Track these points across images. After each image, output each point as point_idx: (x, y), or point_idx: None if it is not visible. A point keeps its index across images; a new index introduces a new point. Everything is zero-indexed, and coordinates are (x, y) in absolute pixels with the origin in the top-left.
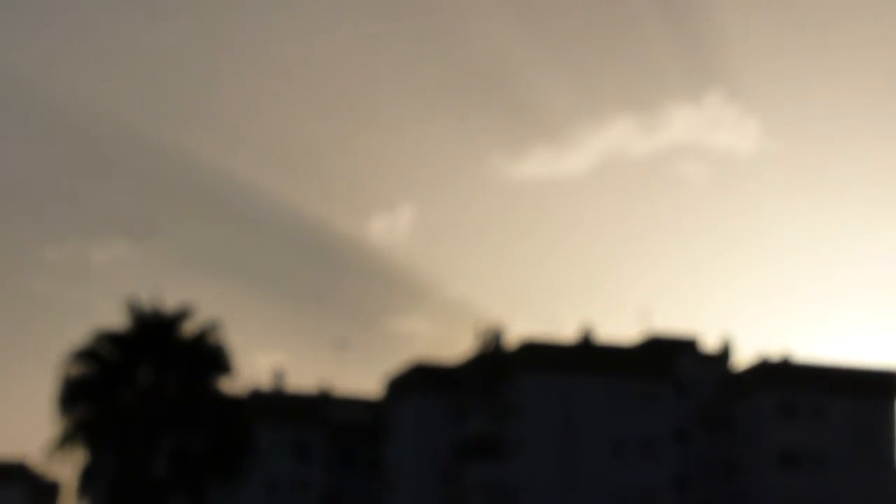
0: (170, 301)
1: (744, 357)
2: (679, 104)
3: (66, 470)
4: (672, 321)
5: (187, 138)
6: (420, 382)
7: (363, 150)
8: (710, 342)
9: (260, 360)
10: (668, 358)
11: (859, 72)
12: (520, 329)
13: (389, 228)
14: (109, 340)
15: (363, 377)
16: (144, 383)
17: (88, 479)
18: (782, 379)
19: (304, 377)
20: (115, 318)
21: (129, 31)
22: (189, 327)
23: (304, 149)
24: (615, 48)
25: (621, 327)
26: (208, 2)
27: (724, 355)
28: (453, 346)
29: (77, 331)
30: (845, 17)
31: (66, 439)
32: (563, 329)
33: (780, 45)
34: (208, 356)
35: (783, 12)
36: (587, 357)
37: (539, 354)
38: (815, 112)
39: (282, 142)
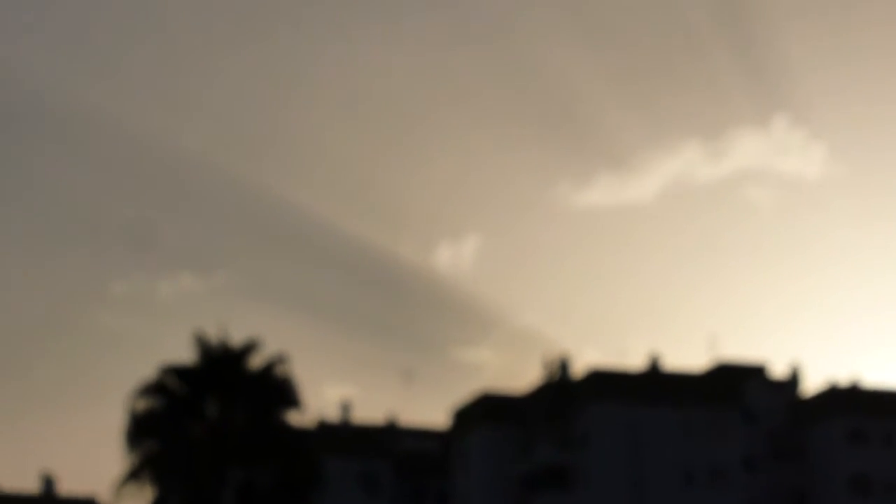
0: (237, 334)
1: (813, 384)
2: (745, 130)
3: None
4: (740, 348)
5: (253, 170)
6: (487, 413)
7: (428, 180)
8: (778, 369)
9: (327, 393)
10: (737, 385)
11: None
12: (588, 358)
13: (455, 258)
14: (176, 374)
15: (430, 408)
16: (212, 417)
17: None
18: (851, 405)
19: (371, 409)
20: (183, 352)
21: (200, 63)
22: (256, 360)
23: (369, 179)
24: (680, 75)
25: (689, 355)
26: (279, 34)
27: (792, 382)
28: (521, 376)
29: (144, 365)
30: None
31: (135, 474)
32: (631, 358)
33: (847, 71)
34: (275, 389)
35: (849, 37)
36: (655, 385)
37: (606, 383)
38: (881, 137)
39: (347, 172)
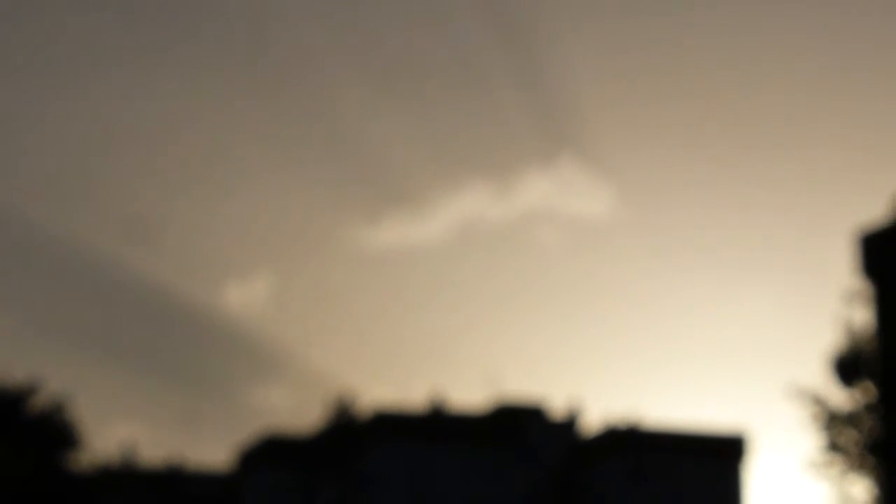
0: (20, 373)
1: (593, 421)
2: (533, 169)
3: None
4: (523, 388)
5: (34, 208)
6: (271, 454)
7: (217, 218)
8: (559, 407)
9: (113, 432)
10: (517, 425)
11: (714, 142)
12: (376, 397)
13: (245, 297)
14: None
15: (218, 450)
16: None
17: None
18: (630, 445)
19: (157, 449)
20: None
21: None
22: (37, 402)
23: (157, 216)
24: (469, 113)
25: (473, 395)
26: (61, 62)
27: (571, 422)
28: (309, 417)
29: None
30: (699, 87)
31: None
32: (417, 397)
33: (635, 113)
34: (56, 432)
35: (639, 79)
36: (437, 426)
37: (390, 424)
38: (668, 180)
39: (135, 209)
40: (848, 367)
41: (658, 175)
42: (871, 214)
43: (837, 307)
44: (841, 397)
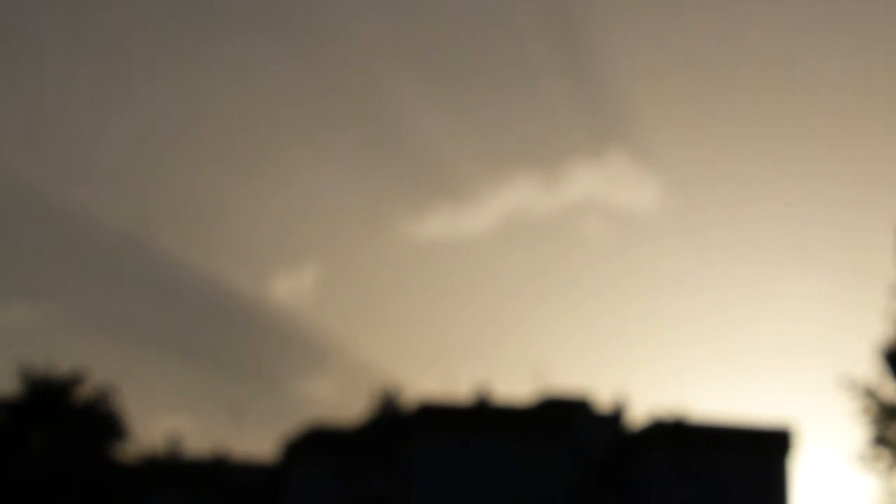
0: (68, 364)
1: (638, 415)
2: (581, 162)
3: None
4: (570, 380)
5: (85, 197)
6: (316, 446)
7: (265, 209)
8: (605, 400)
9: (159, 423)
10: (563, 418)
11: (761, 134)
12: (422, 389)
13: (292, 288)
14: (1, 406)
15: (264, 441)
16: (37, 450)
17: None
18: (676, 438)
19: (203, 441)
20: (8, 383)
21: (25, 87)
22: (82, 392)
23: (205, 207)
24: (517, 106)
25: (519, 387)
26: (107, 55)
27: (617, 415)
28: (354, 408)
29: None
30: (746, 80)
31: None
32: (462, 390)
33: (682, 106)
34: (101, 422)
35: (686, 73)
36: (483, 418)
37: (435, 416)
38: (714, 173)
39: (183, 200)
40: None
41: (705, 167)
42: None
43: (885, 299)
44: (891, 389)
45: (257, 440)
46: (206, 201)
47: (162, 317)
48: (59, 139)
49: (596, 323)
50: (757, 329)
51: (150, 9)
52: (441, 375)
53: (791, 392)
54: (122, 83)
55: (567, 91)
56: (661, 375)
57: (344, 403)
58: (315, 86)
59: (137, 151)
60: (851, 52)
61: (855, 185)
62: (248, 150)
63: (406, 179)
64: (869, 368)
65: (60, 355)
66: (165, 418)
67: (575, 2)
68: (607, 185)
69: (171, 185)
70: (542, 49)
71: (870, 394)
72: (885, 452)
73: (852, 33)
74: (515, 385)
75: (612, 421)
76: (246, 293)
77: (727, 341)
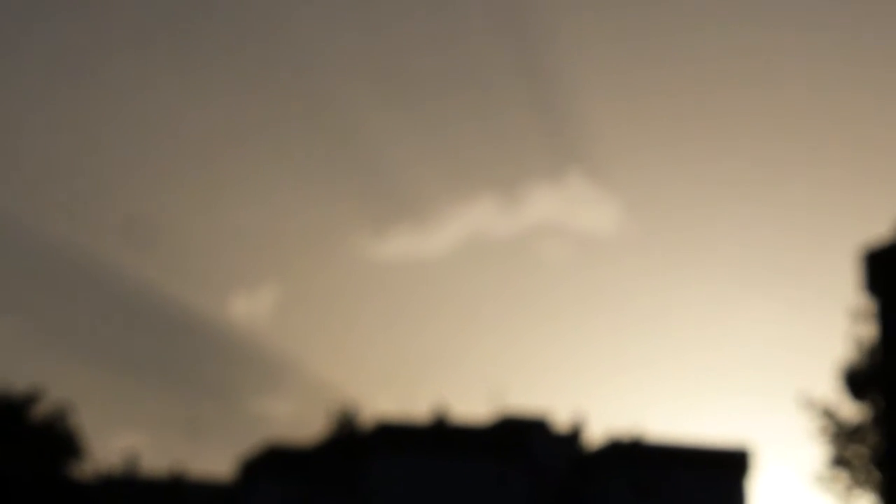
0: (24, 382)
1: (596, 435)
2: (540, 184)
3: None
4: (529, 400)
5: (44, 215)
6: (273, 465)
7: (225, 229)
8: (562, 420)
9: (117, 442)
10: (521, 438)
11: (721, 158)
12: (380, 409)
13: (251, 307)
14: None
15: (221, 460)
16: None
17: None
18: (633, 459)
19: (160, 459)
20: None
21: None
22: (39, 410)
23: (161, 224)
24: (477, 126)
25: (477, 407)
26: (76, 76)
27: (574, 435)
28: (313, 427)
29: None
30: (707, 105)
31: None
32: (421, 410)
33: (642, 129)
34: (58, 441)
35: (646, 96)
36: (440, 438)
37: (393, 436)
38: (674, 195)
39: (139, 217)
40: (857, 381)
41: (665, 191)
42: (876, 232)
43: (843, 323)
44: (850, 411)
45: (215, 459)
46: (166, 220)
47: (120, 335)
48: (18, 157)
49: (554, 344)
50: (716, 350)
51: (118, 32)
52: (399, 395)
53: (750, 412)
54: (86, 103)
55: (527, 114)
56: (619, 396)
57: (302, 423)
58: (276, 106)
59: (92, 168)
60: (816, 78)
61: (817, 211)
62: (208, 170)
63: (367, 200)
64: (828, 389)
65: (17, 373)
66: (122, 436)
67: (536, 26)
68: (567, 207)
69: (131, 204)
70: (503, 72)
71: (829, 414)
72: (844, 473)
73: (816, 61)
74: (473, 405)
75: (570, 441)
76: (205, 312)
77: (687, 362)
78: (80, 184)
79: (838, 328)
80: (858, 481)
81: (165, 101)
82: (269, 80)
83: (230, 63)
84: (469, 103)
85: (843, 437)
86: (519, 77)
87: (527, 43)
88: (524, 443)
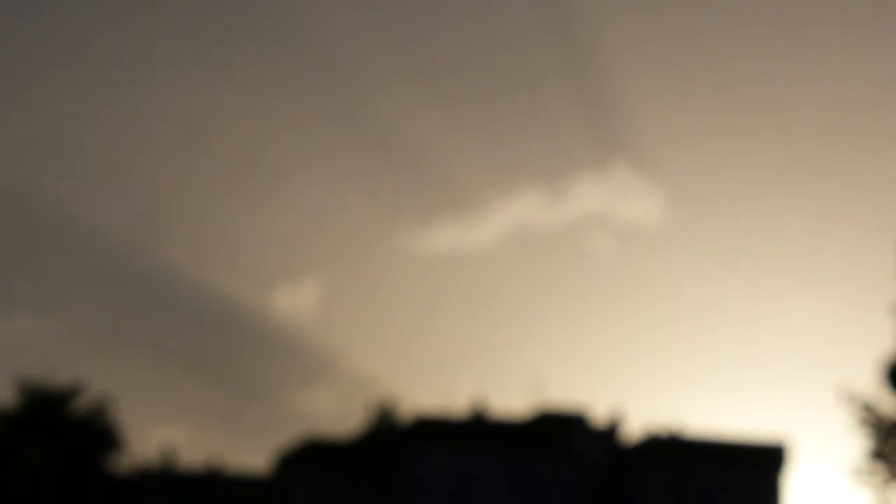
0: (67, 376)
1: (635, 430)
2: (586, 175)
3: None
4: (569, 395)
5: (88, 209)
6: (311, 459)
7: (268, 222)
8: (601, 415)
9: (155, 435)
10: (559, 432)
11: (766, 150)
12: (420, 403)
13: (295, 301)
14: None
15: (260, 454)
16: (33, 461)
17: None
18: (672, 454)
19: (198, 453)
20: (8, 396)
21: (36, 101)
22: (79, 404)
23: (207, 219)
24: (522, 117)
25: (517, 401)
26: (123, 71)
27: (613, 429)
28: (353, 421)
29: None
30: (752, 97)
31: None
32: (460, 404)
33: (686, 118)
34: (97, 434)
35: (692, 87)
36: (479, 432)
37: (431, 430)
38: (719, 185)
39: (185, 212)
40: None
41: (710, 182)
42: None
43: (885, 316)
44: (890, 404)
45: (253, 453)
46: (211, 214)
47: (162, 328)
48: (63, 151)
49: (596, 337)
50: (758, 344)
51: (162, 42)
52: (439, 389)
53: (790, 406)
54: (137, 98)
55: (572, 104)
56: (659, 391)
57: (341, 416)
58: (322, 98)
59: (146, 165)
60: (854, 74)
61: (859, 201)
62: (254, 165)
63: (411, 193)
64: (868, 383)
65: (61, 367)
66: (160, 429)
67: (581, 17)
68: (612, 198)
69: (177, 198)
70: (547, 63)
71: (868, 408)
72: (882, 467)
73: (855, 56)
74: (513, 399)
75: (608, 435)
76: (248, 305)
77: (728, 356)
78: (131, 182)
79: (880, 322)
80: None
81: (211, 105)
82: (310, 78)
83: (279, 65)
84: (514, 95)
85: (883, 431)
86: (564, 69)
87: (572, 35)
88: (562, 437)
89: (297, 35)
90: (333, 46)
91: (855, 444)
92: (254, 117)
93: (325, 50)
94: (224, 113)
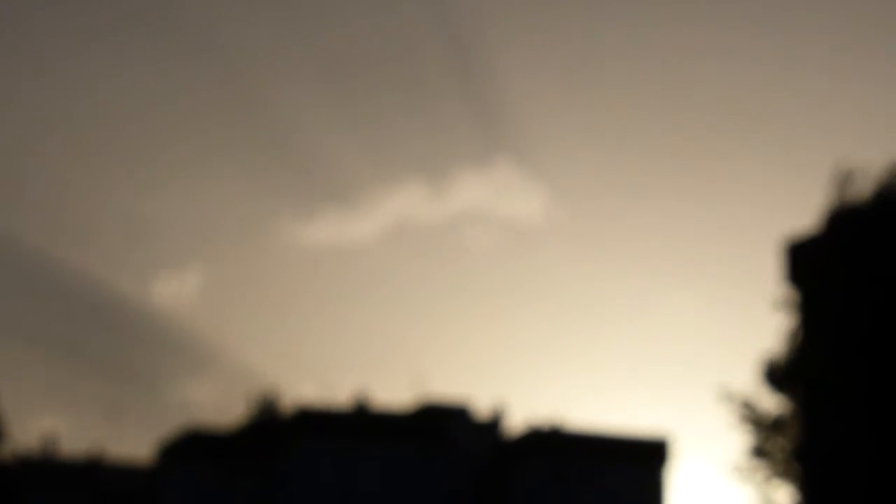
0: None
1: (517, 423)
2: (468, 171)
3: None
4: (451, 388)
5: None
6: (192, 450)
7: (148, 210)
8: (483, 408)
9: (34, 424)
10: (441, 425)
11: (647, 148)
12: (303, 395)
13: (174, 291)
14: None
15: (141, 444)
16: None
17: None
18: (554, 447)
19: (78, 442)
20: None
21: None
22: None
23: (85, 207)
24: (406, 111)
25: (399, 394)
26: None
27: (495, 422)
28: (235, 412)
29: None
30: (633, 95)
31: None
32: (343, 396)
33: (570, 118)
34: None
35: (575, 86)
36: (361, 424)
37: (313, 421)
38: (602, 183)
39: (62, 200)
40: (778, 373)
41: (592, 179)
42: (800, 224)
43: (766, 316)
44: (770, 403)
45: (134, 443)
46: (87, 200)
47: (40, 317)
48: None
49: (479, 332)
50: (639, 342)
51: (35, 5)
52: (322, 382)
53: (672, 405)
54: (15, 81)
55: (456, 99)
56: (542, 385)
57: (224, 407)
58: (202, 86)
59: (16, 152)
60: (741, 72)
61: (741, 202)
62: (132, 150)
63: (294, 183)
64: (749, 382)
65: None
66: (41, 419)
67: (467, 18)
68: (494, 194)
69: (51, 185)
70: (432, 57)
71: (748, 406)
72: (763, 464)
73: (741, 51)
74: (396, 392)
75: (491, 429)
76: (126, 294)
77: (609, 353)
78: (4, 169)
79: (760, 321)
80: (777, 472)
81: (86, 80)
82: (194, 63)
83: (154, 42)
84: (399, 88)
85: (763, 429)
86: (448, 63)
87: (458, 35)
88: (445, 429)
89: (191, 30)
90: (224, 41)
91: (736, 442)
92: (138, 106)
93: (214, 44)
94: (104, 99)
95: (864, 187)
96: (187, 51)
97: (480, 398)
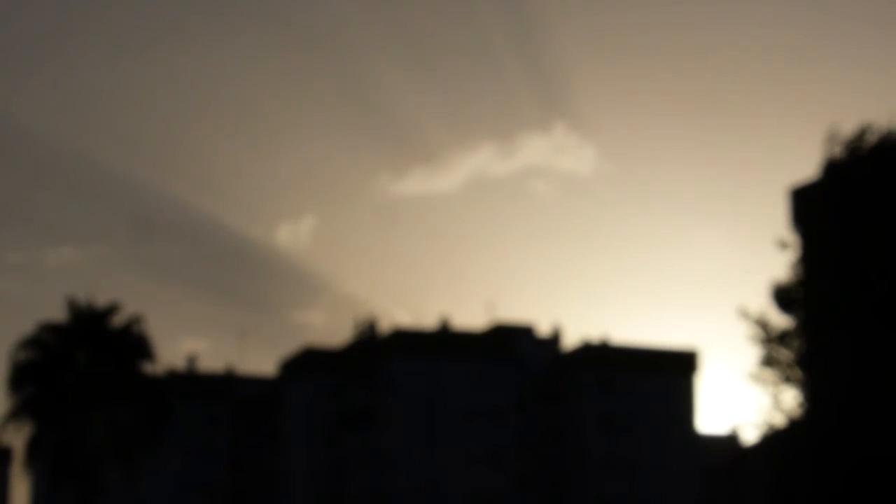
0: (107, 298)
1: (571, 339)
2: (531, 132)
3: (17, 440)
4: (518, 311)
5: (110, 155)
6: (308, 364)
7: (273, 170)
8: (544, 328)
9: (179, 346)
10: (510, 342)
11: (682, 109)
12: (397, 319)
13: (293, 235)
14: (52, 331)
15: (267, 361)
16: (81, 367)
17: (35, 448)
18: (601, 359)
19: (215, 361)
20: (60, 313)
21: (85, 64)
22: (118, 320)
23: (220, 165)
24: (479, 83)
25: (475, 317)
26: (155, 43)
27: (554, 339)
28: (342, 334)
29: (30, 325)
30: (670, 63)
31: (15, 415)
32: (429, 320)
33: (613, 83)
34: (133, 344)
35: (622, 57)
36: (445, 342)
37: (406, 340)
38: (643, 142)
39: (202, 160)
40: (785, 296)
41: (635, 138)
42: (806, 173)
43: (777, 247)
44: (779, 320)
45: (261, 360)
46: (224, 164)
47: (186, 259)
48: (94, 106)
49: (540, 265)
50: (672, 271)
51: (192, 9)
52: (413, 308)
53: (699, 321)
54: (167, 64)
55: (522, 71)
56: (593, 308)
57: (333, 330)
58: (318, 72)
59: (176, 122)
60: (770, 44)
61: (756, 153)
62: (258, 121)
63: (387, 147)
64: (762, 303)
65: (104, 290)
66: (185, 342)
67: None
68: (553, 152)
69: (195, 149)
70: (503, 34)
71: (761, 323)
72: (773, 371)
73: (763, 20)
74: (473, 316)
75: (551, 344)
76: (254, 238)
77: (648, 280)
78: (158, 133)
79: (772, 253)
80: (784, 378)
81: (228, 67)
82: (307, 48)
83: (278, 35)
84: (474, 64)
85: (773, 342)
86: (515, 40)
87: (522, 12)
88: (513, 345)
89: (296, 19)
90: (322, 17)
91: (751, 353)
92: (264, 86)
93: (315, 20)
94: (241, 82)
95: (869, 139)
96: (306, 43)
97: (542, 319)
